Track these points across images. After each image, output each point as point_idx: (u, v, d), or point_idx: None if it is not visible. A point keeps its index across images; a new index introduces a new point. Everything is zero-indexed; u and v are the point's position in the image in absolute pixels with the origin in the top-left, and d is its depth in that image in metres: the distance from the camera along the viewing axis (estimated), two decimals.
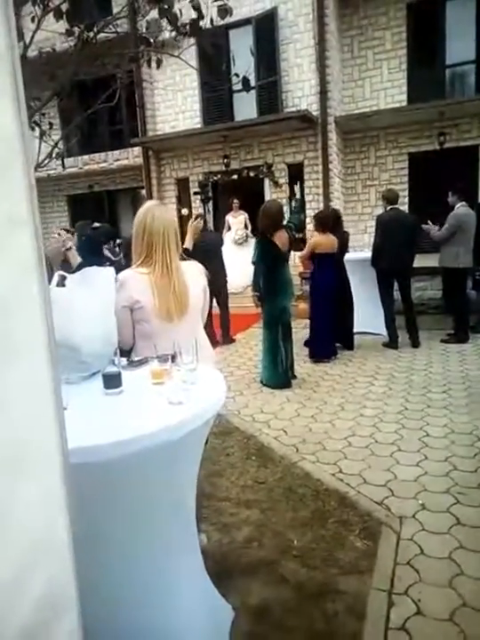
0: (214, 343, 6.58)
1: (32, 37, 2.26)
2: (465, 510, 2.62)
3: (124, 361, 1.89)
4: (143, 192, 10.97)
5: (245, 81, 3.07)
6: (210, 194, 10.61)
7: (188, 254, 6.28)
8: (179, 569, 1.60)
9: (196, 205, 10.75)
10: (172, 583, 1.57)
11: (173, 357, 1.67)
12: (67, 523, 0.53)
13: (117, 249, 7.03)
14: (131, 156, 11.27)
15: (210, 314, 6.59)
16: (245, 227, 9.57)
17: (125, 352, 2.20)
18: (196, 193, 10.60)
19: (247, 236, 9.34)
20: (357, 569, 2.25)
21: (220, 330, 6.65)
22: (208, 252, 6.24)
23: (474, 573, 2.16)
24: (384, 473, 3.06)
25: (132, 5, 2.44)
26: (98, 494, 1.31)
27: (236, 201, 9.55)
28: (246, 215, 9.52)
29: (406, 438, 3.52)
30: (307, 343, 5.72)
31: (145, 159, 10.79)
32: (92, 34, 2.29)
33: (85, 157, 11.79)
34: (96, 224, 6.78)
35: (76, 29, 2.27)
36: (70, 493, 0.54)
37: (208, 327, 6.60)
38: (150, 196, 10.76)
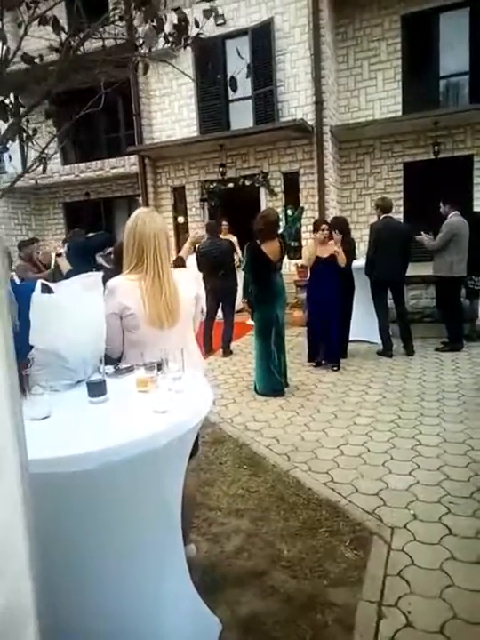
0: (210, 350, 6.55)
1: (19, 44, 2.26)
2: (457, 520, 2.60)
3: (110, 368, 1.87)
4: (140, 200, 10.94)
5: (233, 81, 3.06)
6: (210, 203, 10.62)
7: (199, 258, 6.26)
8: (162, 581, 1.58)
9: (193, 213, 10.79)
10: (155, 596, 1.55)
11: (159, 365, 1.66)
12: (25, 534, 0.52)
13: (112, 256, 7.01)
14: (127, 164, 11.31)
15: (212, 320, 6.57)
16: (234, 251, 8.35)
17: (115, 359, 2.19)
18: (202, 199, 10.60)
19: (240, 262, 8.52)
20: (347, 580, 2.23)
21: (221, 340, 6.56)
22: (217, 258, 6.25)
23: (465, 585, 2.13)
24: (376, 482, 3.04)
25: (125, 11, 2.44)
26: (73, 503, 1.29)
27: (224, 223, 8.78)
28: (236, 239, 8.50)
29: (399, 447, 3.50)
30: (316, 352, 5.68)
31: (141, 167, 10.84)
32: (77, 40, 2.29)
33: (82, 165, 11.83)
34: (90, 234, 6.77)
35: (63, 35, 2.27)
36: (28, 504, 0.52)
37: (207, 333, 6.54)
38: (146, 204, 10.78)
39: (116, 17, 2.43)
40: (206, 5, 2.59)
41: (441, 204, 5.84)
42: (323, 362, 5.61)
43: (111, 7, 2.47)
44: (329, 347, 5.51)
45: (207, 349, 6.56)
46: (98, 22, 2.36)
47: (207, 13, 2.54)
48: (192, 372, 1.74)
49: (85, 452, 1.23)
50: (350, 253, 5.63)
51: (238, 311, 7.14)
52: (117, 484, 1.33)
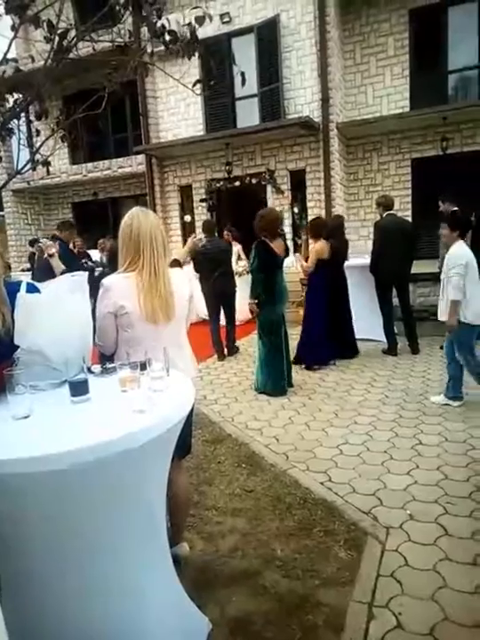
0: (222, 353, 6.36)
1: (9, 46, 2.27)
2: (453, 520, 2.57)
3: (97, 368, 1.88)
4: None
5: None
6: (214, 202, 10.59)
7: (195, 260, 6.26)
8: (146, 580, 1.58)
9: (199, 212, 10.78)
10: (138, 596, 1.55)
11: (143, 365, 1.65)
12: None
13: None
14: (134, 164, 11.34)
15: (218, 322, 6.47)
16: (239, 258, 8.35)
17: (108, 357, 2.20)
18: (202, 200, 10.60)
19: (245, 269, 7.85)
20: (339, 580, 2.21)
21: (225, 340, 6.47)
22: (215, 257, 6.21)
23: (458, 586, 2.11)
24: (373, 482, 3.02)
25: (118, 14, 2.44)
26: (50, 504, 1.30)
27: (226, 232, 8.44)
28: (240, 246, 8.32)
29: (399, 447, 3.47)
30: (299, 350, 5.65)
31: (148, 166, 10.85)
32: (67, 41, 2.29)
33: (89, 165, 11.89)
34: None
35: (55, 37, 2.28)
36: None
37: (216, 336, 6.41)
38: (153, 203, 10.81)
39: (108, 20, 2.44)
40: (200, 11, 2.58)
41: (440, 203, 5.75)
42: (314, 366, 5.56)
43: (102, 11, 2.47)
44: (312, 348, 5.51)
45: (219, 353, 6.33)
46: (87, 25, 2.37)
47: (200, 20, 2.53)
48: (176, 371, 1.74)
49: (59, 452, 1.23)
50: (341, 253, 5.69)
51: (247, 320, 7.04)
52: (93, 484, 1.33)
